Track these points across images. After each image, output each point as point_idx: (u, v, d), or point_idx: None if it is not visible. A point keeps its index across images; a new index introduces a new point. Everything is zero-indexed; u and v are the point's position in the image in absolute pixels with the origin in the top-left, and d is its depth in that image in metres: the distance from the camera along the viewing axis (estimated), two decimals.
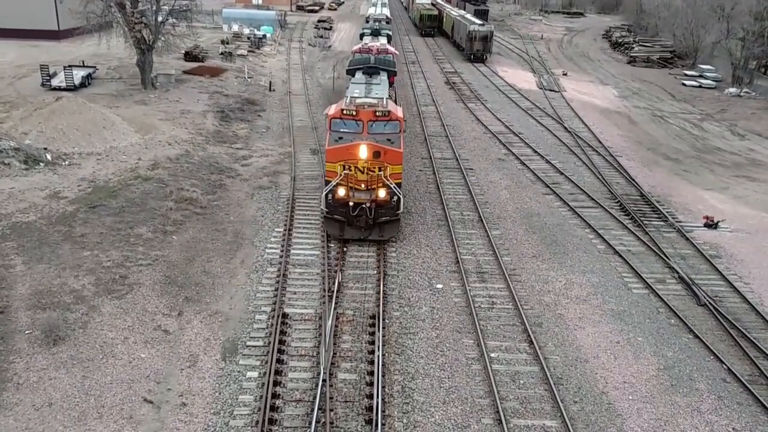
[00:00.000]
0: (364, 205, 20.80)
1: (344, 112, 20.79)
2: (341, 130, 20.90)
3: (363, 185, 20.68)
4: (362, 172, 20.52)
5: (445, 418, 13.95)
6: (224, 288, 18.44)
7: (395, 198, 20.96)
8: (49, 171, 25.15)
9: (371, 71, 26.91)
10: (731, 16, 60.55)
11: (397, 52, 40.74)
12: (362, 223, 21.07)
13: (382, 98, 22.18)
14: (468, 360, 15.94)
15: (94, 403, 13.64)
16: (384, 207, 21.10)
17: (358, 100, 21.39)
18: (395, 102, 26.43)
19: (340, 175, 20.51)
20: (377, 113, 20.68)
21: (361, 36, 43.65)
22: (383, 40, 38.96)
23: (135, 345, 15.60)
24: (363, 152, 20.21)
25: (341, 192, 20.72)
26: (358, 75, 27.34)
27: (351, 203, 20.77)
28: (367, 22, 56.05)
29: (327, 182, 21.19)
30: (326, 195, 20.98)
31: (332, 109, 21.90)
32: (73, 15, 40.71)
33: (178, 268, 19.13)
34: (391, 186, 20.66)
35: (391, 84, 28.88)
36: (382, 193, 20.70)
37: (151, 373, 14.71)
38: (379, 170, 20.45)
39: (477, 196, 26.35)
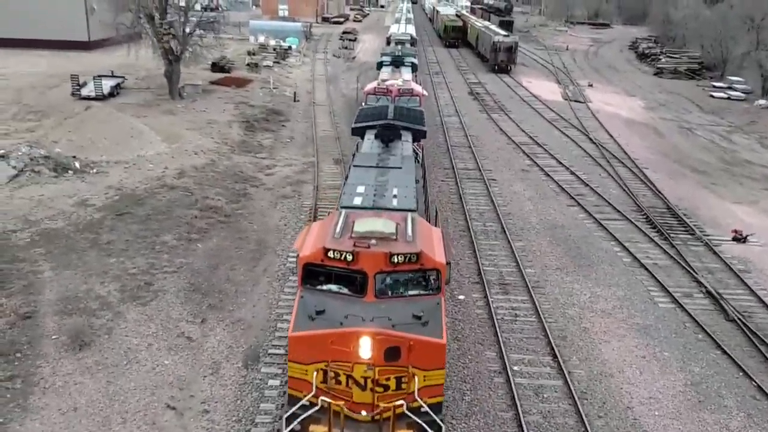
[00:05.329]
0: None
1: (329, 253, 10.98)
2: (322, 289, 11.24)
3: (363, 412, 10.69)
4: (362, 388, 10.56)
5: (467, 431, 13.80)
6: (247, 296, 18.53)
7: None
8: (78, 179, 25.60)
9: (388, 135, 17.93)
10: (761, 27, 59.68)
11: (425, 92, 30.15)
12: None
13: (406, 213, 12.44)
14: (490, 373, 15.77)
15: (118, 409, 13.76)
16: None
17: (360, 225, 11.40)
18: (427, 210, 16.05)
19: (316, 390, 10.55)
20: (395, 259, 10.88)
21: (379, 65, 34.08)
22: (407, 74, 30.47)
23: (159, 351, 15.72)
24: (365, 348, 10.18)
25: None
26: (368, 141, 18.46)
27: None
28: (388, 44, 48.47)
29: (290, 400, 10.99)
30: None
31: (308, 243, 11.78)
32: (104, 26, 41.57)
33: (202, 275, 19.28)
34: (421, 420, 10.46)
35: (417, 146, 19.10)
36: None
37: (174, 380, 14.80)
38: (399, 384, 10.55)
39: (500, 207, 26.19)
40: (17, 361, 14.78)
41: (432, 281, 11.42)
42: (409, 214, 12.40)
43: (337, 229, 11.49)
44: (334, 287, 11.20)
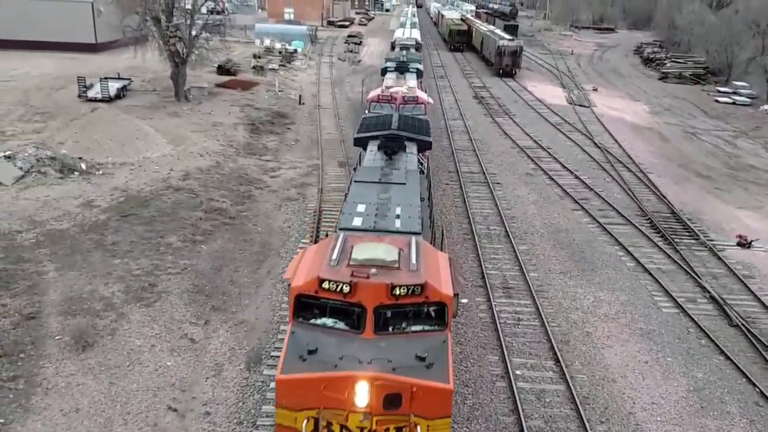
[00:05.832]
0: None
1: (324, 284, 10.03)
2: (315, 323, 10.29)
3: None
4: None
5: None
6: (250, 298, 18.57)
7: None
8: (84, 180, 25.71)
9: (392, 147, 17.17)
10: (767, 32, 59.57)
11: (431, 99, 29.14)
12: None
13: (410, 237, 11.50)
14: (492, 377, 15.76)
15: (120, 410, 13.79)
16: None
17: (359, 251, 10.53)
18: (433, 228, 15.20)
19: None
20: (397, 291, 9.93)
21: (383, 71, 33.22)
22: (411, 81, 29.49)
23: (161, 353, 15.77)
24: (361, 395, 9.28)
25: None
26: (371, 152, 17.58)
27: None
28: (393, 49, 47.60)
29: None
30: None
31: (301, 271, 10.79)
32: (111, 28, 41.80)
33: (206, 277, 19.34)
34: None
35: (422, 157, 18.59)
36: None
37: (177, 381, 14.83)
38: None
39: (504, 210, 26.19)
40: (20, 362, 14.84)
41: (438, 316, 10.32)
42: (413, 238, 11.45)
43: (334, 256, 10.54)
44: (329, 321, 10.20)
